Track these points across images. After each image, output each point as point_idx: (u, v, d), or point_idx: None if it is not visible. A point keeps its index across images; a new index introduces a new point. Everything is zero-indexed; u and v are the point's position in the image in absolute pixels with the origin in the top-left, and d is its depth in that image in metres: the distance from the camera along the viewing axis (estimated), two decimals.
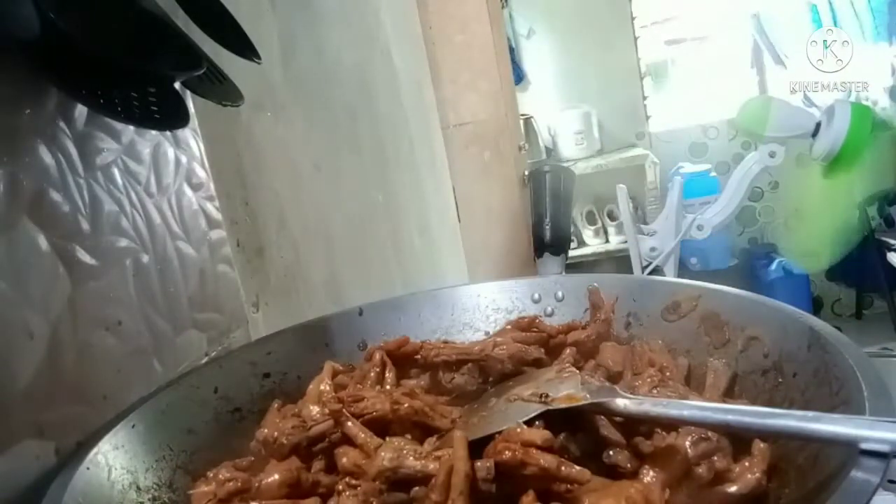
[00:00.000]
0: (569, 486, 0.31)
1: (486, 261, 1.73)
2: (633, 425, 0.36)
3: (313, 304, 0.80)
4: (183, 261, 0.55)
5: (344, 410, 0.38)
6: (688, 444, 0.34)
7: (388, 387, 0.45)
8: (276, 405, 0.46)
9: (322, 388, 0.45)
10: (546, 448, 0.31)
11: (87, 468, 0.34)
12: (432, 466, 0.32)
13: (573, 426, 0.35)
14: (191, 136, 0.59)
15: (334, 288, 0.88)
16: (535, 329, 0.50)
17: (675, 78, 3.00)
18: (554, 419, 0.35)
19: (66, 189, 0.43)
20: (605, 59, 2.81)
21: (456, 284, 0.57)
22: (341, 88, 1.05)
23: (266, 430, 0.39)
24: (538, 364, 0.46)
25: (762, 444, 0.33)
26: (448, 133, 1.71)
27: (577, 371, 0.41)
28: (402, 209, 1.25)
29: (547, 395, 0.36)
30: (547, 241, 1.83)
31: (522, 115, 2.46)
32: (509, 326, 0.52)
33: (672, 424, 0.35)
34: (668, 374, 0.43)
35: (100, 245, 0.45)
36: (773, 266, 2.67)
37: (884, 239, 2.42)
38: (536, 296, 0.55)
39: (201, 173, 0.60)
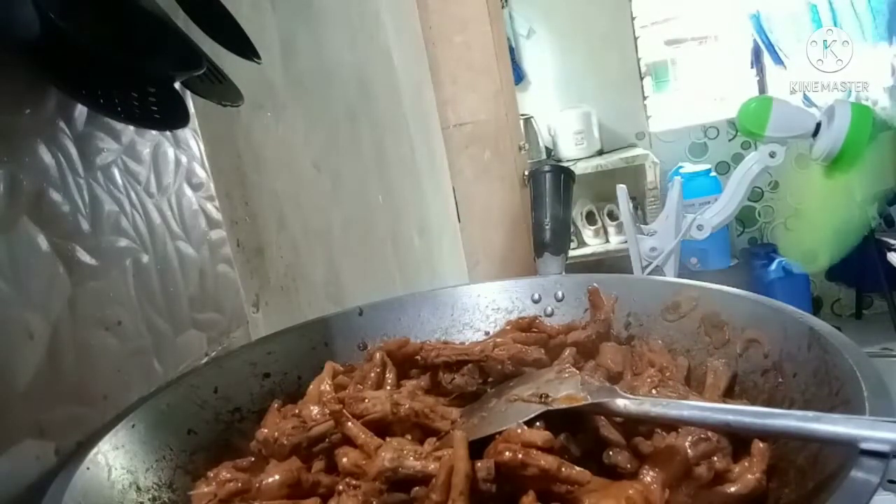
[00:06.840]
0: (569, 486, 0.31)
1: (486, 261, 1.73)
2: (633, 425, 0.36)
3: (313, 304, 0.80)
4: (183, 261, 0.55)
5: (344, 411, 0.38)
6: (688, 444, 0.34)
7: (388, 387, 0.45)
8: (276, 405, 0.46)
9: (322, 388, 0.45)
10: (546, 449, 0.31)
11: (87, 468, 0.34)
12: (432, 467, 0.32)
13: (573, 427, 0.35)
14: (191, 136, 0.59)
15: (334, 288, 0.88)
16: (535, 329, 0.50)
17: (675, 78, 3.00)
18: (554, 420, 0.35)
19: (66, 189, 0.43)
20: (605, 59, 2.81)
21: (456, 284, 0.57)
22: (341, 88, 1.05)
23: (266, 430, 0.39)
24: (538, 364, 0.45)
25: (762, 444, 0.33)
26: (448, 133, 1.71)
27: (577, 371, 0.41)
28: (402, 209, 1.25)
29: (547, 396, 0.36)
30: (547, 241, 1.83)
31: (522, 115, 2.46)
32: (509, 327, 0.52)
33: (672, 424, 0.35)
34: (668, 374, 0.43)
35: (100, 245, 0.45)
36: (773, 266, 2.67)
37: (884, 239, 2.42)
38: (536, 296, 0.55)
39: (201, 173, 0.60)
